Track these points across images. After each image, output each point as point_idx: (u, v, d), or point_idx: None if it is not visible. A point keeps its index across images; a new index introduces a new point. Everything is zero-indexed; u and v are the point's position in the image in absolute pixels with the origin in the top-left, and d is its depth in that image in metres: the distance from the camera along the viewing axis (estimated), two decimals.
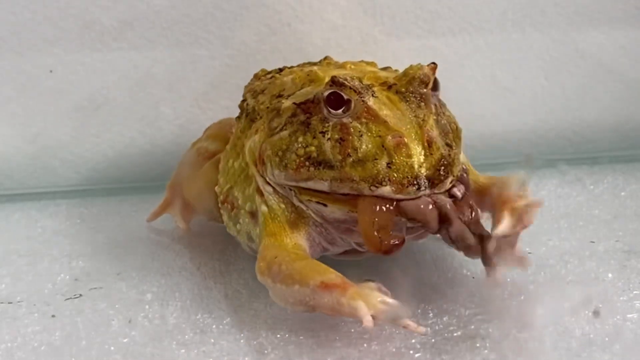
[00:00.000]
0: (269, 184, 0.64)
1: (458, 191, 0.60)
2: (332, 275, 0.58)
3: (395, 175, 0.58)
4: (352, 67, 0.70)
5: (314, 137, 0.60)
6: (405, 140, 0.58)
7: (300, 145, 0.61)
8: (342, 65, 0.71)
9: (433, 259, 0.71)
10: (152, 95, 0.96)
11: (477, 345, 0.57)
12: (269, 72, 0.76)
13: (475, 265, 0.69)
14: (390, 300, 0.56)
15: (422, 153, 0.58)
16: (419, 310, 0.62)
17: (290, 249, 0.62)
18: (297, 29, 0.95)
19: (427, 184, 0.58)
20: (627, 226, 0.79)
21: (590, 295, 0.64)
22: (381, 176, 0.58)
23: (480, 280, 0.66)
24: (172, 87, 0.96)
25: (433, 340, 0.58)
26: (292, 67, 0.76)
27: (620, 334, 0.58)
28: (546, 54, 0.99)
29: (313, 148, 0.60)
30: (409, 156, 0.58)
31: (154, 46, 0.94)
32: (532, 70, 1.00)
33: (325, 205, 0.61)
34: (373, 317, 0.55)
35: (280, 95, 0.67)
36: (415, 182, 0.58)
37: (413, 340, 0.58)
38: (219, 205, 0.72)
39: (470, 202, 0.60)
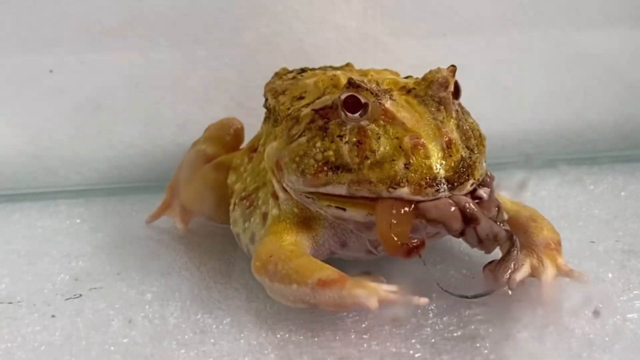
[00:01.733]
0: (284, 190, 0.64)
1: (484, 192, 0.60)
2: (329, 272, 0.58)
3: (413, 175, 0.57)
4: (374, 74, 0.69)
5: (332, 142, 0.60)
6: (423, 141, 0.58)
7: (318, 150, 0.60)
8: (364, 73, 0.71)
9: (433, 259, 0.71)
10: (152, 95, 0.96)
11: (477, 345, 0.57)
12: (291, 72, 0.75)
13: (475, 265, 0.69)
14: (388, 287, 0.57)
15: (441, 154, 0.58)
16: (419, 310, 0.62)
17: (286, 246, 0.62)
18: (297, 29, 0.95)
19: (446, 185, 0.58)
20: (627, 226, 0.79)
21: (590, 295, 0.64)
22: (399, 177, 0.57)
23: (480, 281, 0.66)
24: (172, 87, 0.96)
25: (433, 340, 0.58)
26: (314, 69, 0.76)
27: (620, 334, 0.58)
28: (546, 54, 0.99)
29: (331, 152, 0.60)
30: (427, 157, 0.58)
31: (154, 46, 0.94)
32: (532, 70, 1.00)
33: (344, 209, 0.60)
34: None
35: (301, 97, 0.67)
36: (433, 183, 0.57)
37: (413, 340, 0.58)
38: (235, 201, 0.72)
39: (498, 202, 0.60)
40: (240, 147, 0.83)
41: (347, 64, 0.77)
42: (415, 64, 0.97)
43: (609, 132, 1.03)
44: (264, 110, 0.75)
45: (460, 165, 0.58)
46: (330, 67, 0.77)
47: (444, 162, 0.58)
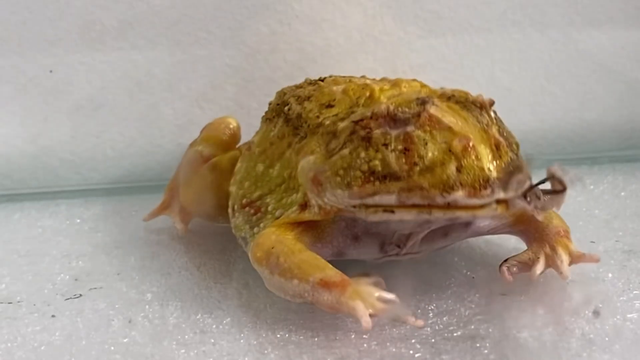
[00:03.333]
0: (321, 205, 0.62)
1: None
2: (332, 273, 0.58)
3: (466, 178, 0.56)
4: (406, 85, 0.68)
5: (377, 151, 0.58)
6: (473, 143, 0.57)
7: (363, 160, 0.58)
8: (395, 83, 0.69)
9: (433, 259, 0.71)
10: (152, 95, 0.96)
11: (477, 345, 0.57)
12: (310, 83, 0.74)
13: (476, 265, 0.70)
14: (387, 296, 0.57)
15: (491, 155, 0.57)
16: (419, 310, 0.62)
17: (289, 240, 0.62)
18: (297, 29, 0.95)
19: (499, 186, 0.56)
20: (627, 226, 0.79)
21: (590, 295, 0.64)
22: (452, 181, 0.56)
23: (480, 280, 0.66)
24: (172, 87, 0.96)
25: (433, 340, 0.58)
26: (332, 76, 0.74)
27: (620, 334, 0.58)
28: (546, 54, 1.00)
29: (377, 162, 0.58)
30: (479, 159, 0.56)
31: (154, 46, 0.94)
32: (532, 70, 1.00)
33: (392, 212, 0.58)
34: (372, 315, 0.56)
35: (330, 105, 0.66)
36: (487, 185, 0.56)
37: (413, 341, 0.58)
38: (235, 207, 0.71)
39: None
40: (237, 146, 0.82)
41: (363, 77, 0.75)
42: (415, 64, 0.98)
43: (609, 132, 1.03)
44: (262, 110, 0.74)
45: (511, 166, 0.57)
46: (350, 76, 0.74)
47: (495, 163, 0.57)
